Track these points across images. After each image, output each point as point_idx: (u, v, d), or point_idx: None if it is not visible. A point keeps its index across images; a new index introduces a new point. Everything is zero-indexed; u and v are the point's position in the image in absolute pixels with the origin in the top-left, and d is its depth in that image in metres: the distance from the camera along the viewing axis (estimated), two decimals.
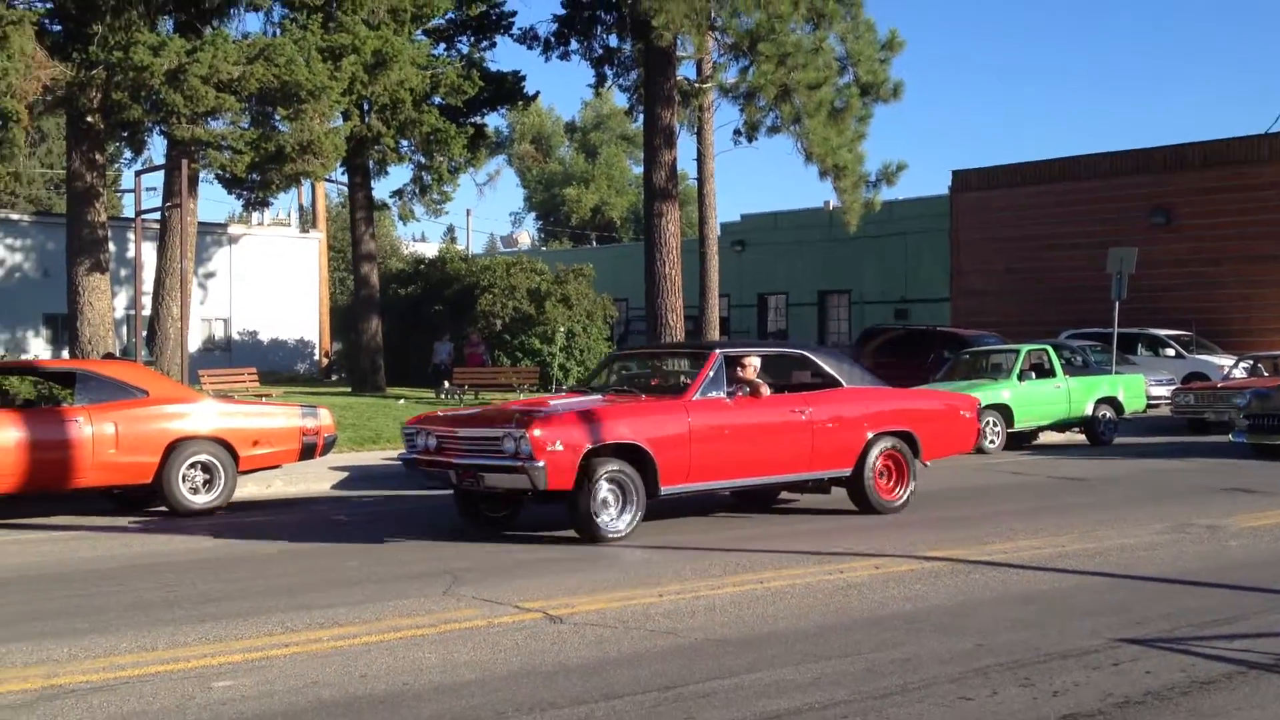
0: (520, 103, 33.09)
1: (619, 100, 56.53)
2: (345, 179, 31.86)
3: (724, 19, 24.84)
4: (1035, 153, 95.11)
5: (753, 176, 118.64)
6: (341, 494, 14.46)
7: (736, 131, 28.09)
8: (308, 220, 47.52)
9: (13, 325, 36.73)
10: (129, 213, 34.35)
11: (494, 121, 37.29)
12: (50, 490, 12.34)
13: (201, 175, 24.49)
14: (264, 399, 21.72)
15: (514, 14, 31.97)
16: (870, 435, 11.85)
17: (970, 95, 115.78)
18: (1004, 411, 19.65)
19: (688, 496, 11.46)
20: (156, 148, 30.83)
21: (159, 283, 24.16)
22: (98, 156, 22.51)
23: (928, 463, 12.59)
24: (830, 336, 41.74)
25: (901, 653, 6.56)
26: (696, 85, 28.33)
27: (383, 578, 8.97)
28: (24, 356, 32.75)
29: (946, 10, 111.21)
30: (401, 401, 25.93)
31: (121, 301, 34.13)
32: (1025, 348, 21.12)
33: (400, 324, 34.53)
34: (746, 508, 12.64)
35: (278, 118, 22.09)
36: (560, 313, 32.85)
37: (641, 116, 27.61)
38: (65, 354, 27.60)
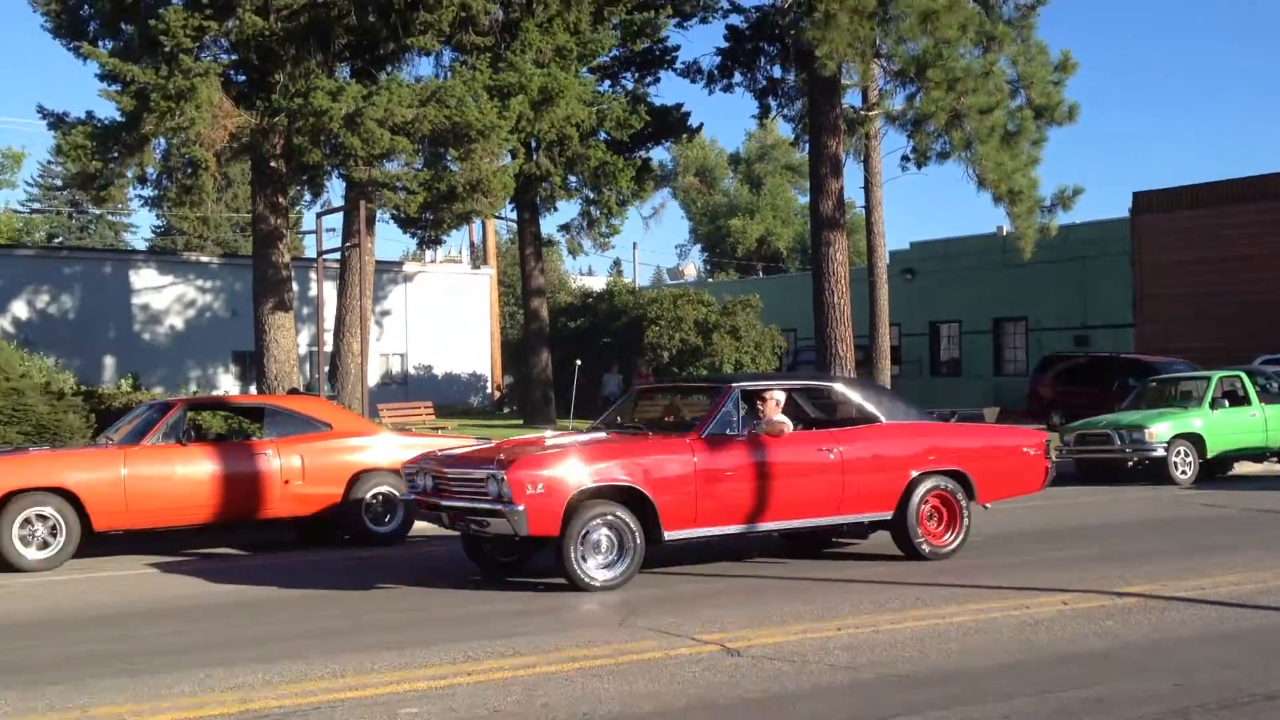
0: (684, 135, 33.31)
1: (783, 130, 56.53)
2: (514, 215, 32.48)
3: (889, 46, 24.56)
4: (1212, 173, 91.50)
5: (921, 203, 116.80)
6: None
7: (904, 158, 27.81)
8: (479, 257, 48.66)
9: (204, 362, 38.47)
10: (310, 253, 35.61)
11: (658, 155, 37.58)
12: (241, 520, 12.82)
13: (378, 215, 25.27)
14: (440, 431, 22.21)
15: (677, 48, 32.30)
16: (914, 475, 10.89)
17: (1145, 115, 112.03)
18: (1196, 441, 18.82)
19: (697, 542, 10.74)
20: (335, 190, 31.97)
21: (339, 320, 24.97)
22: (280, 200, 23.46)
23: (987, 505, 11.67)
24: (1007, 365, 40.72)
25: (1094, 692, 6.29)
26: (862, 113, 28.08)
27: (559, 608, 9.05)
28: (214, 392, 34.22)
29: (1119, 30, 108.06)
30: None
31: (304, 338, 35.38)
32: (1217, 374, 20.21)
33: (569, 356, 34.94)
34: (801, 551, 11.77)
35: (449, 158, 22.68)
36: (728, 344, 32.77)
37: (806, 146, 27.48)
38: (253, 389, 28.73)
